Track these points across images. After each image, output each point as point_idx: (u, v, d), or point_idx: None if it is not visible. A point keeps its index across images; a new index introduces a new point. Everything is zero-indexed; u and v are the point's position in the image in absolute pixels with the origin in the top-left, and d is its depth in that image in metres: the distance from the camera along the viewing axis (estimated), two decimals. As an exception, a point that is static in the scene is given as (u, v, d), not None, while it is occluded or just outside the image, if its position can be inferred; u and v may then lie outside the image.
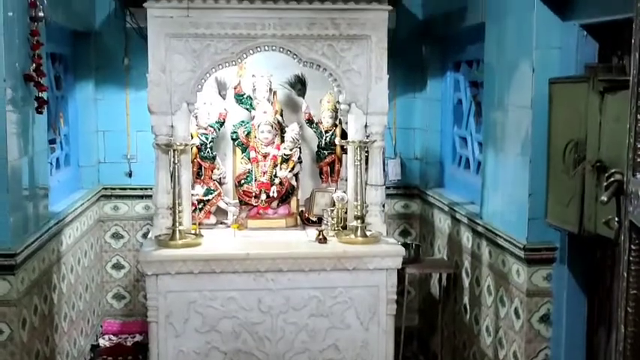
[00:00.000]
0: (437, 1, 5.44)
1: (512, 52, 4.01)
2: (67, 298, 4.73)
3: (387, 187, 5.29)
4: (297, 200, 4.73)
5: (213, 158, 4.58)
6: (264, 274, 3.98)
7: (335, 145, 4.61)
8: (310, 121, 4.65)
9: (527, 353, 3.86)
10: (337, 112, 4.56)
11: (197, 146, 4.46)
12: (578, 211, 3.22)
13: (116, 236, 5.89)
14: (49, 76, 4.63)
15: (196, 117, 4.49)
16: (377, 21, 4.15)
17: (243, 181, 4.59)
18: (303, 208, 4.72)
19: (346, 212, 4.35)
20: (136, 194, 5.82)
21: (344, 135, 4.53)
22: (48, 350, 4.23)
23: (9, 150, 3.58)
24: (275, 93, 4.69)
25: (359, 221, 4.14)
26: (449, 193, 5.47)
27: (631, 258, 1.83)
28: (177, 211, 4.02)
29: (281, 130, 4.62)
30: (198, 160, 4.52)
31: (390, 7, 4.18)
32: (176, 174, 4.04)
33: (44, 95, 4.00)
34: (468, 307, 4.74)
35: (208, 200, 4.57)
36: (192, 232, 4.19)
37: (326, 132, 4.63)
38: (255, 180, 4.55)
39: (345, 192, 4.38)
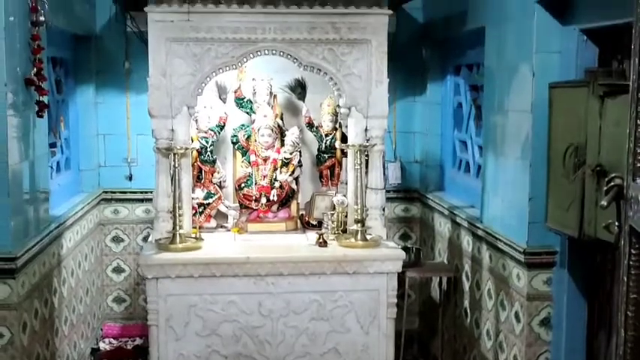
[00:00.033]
0: (437, 5, 5.45)
1: (512, 56, 4.02)
2: (67, 301, 4.73)
3: (387, 191, 5.29)
4: (298, 204, 4.73)
5: (214, 162, 4.59)
6: (264, 278, 3.98)
7: (335, 148, 4.61)
8: (310, 125, 4.65)
9: (527, 357, 3.86)
10: (337, 116, 4.57)
11: (197, 150, 4.47)
12: (579, 215, 3.23)
13: (116, 240, 5.89)
14: (49, 80, 4.64)
15: (197, 120, 4.49)
16: (377, 25, 4.17)
17: (243, 185, 4.60)
18: (304, 212, 4.72)
19: (346, 216, 4.36)
20: (136, 198, 5.82)
21: (344, 138, 4.53)
22: (48, 354, 4.23)
23: (10, 154, 3.59)
24: (275, 97, 4.70)
25: (359, 225, 4.14)
26: (449, 197, 5.47)
27: (631, 262, 1.83)
28: (177, 215, 4.03)
29: (281, 133, 4.63)
30: (199, 163, 4.52)
31: (391, 12, 4.19)
32: (176, 177, 4.05)
33: (45, 99, 4.01)
34: (468, 310, 4.74)
35: (209, 204, 4.57)
36: (193, 235, 4.20)
37: (326, 136, 4.64)
38: (256, 183, 4.56)
39: (345, 195, 4.39)
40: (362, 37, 4.16)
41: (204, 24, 4.06)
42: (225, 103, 4.62)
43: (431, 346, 5.54)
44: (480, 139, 4.82)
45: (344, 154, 4.54)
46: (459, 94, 5.54)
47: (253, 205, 4.57)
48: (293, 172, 4.60)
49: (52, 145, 4.86)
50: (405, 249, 4.62)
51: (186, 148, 4.13)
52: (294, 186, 4.65)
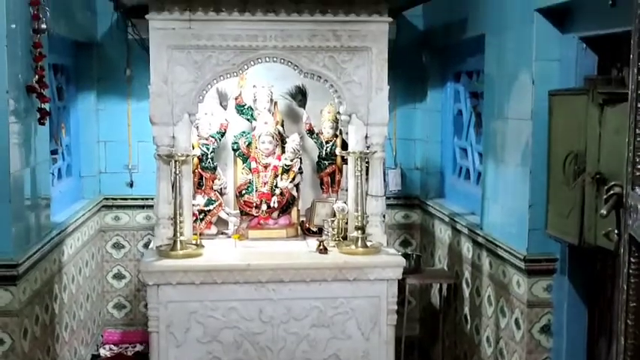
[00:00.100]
0: (437, 12, 5.46)
1: (512, 63, 4.03)
2: (68, 307, 4.73)
3: (388, 198, 5.30)
4: (298, 210, 4.74)
5: (214, 169, 4.59)
6: (265, 285, 3.99)
7: (335, 155, 4.62)
8: (311, 132, 4.66)
9: (527, 364, 3.87)
10: (338, 123, 4.58)
11: (198, 157, 4.48)
12: (578, 222, 3.23)
13: (117, 246, 5.90)
14: (51, 87, 4.66)
15: (197, 127, 4.50)
16: (378, 33, 4.18)
17: (244, 192, 4.61)
18: (304, 219, 4.73)
19: (347, 223, 4.36)
20: (137, 204, 5.83)
21: (344, 145, 4.54)
22: (49, 360, 4.24)
23: (11, 161, 3.60)
24: (276, 103, 4.71)
25: (359, 232, 4.15)
26: (449, 204, 5.48)
27: (630, 271, 1.84)
28: (178, 222, 4.03)
29: (282, 140, 4.64)
30: (200, 170, 4.53)
31: (391, 19, 4.21)
32: (177, 184, 4.06)
33: (46, 106, 4.02)
34: (468, 317, 4.74)
35: (209, 210, 4.58)
36: (193, 242, 4.20)
37: (326, 142, 4.65)
38: (256, 190, 4.56)
39: (345, 202, 4.40)
40: (362, 45, 4.18)
41: (205, 31, 4.07)
42: (226, 110, 4.63)
43: (431, 352, 5.54)
44: (480, 146, 4.83)
45: (344, 161, 4.55)
46: (459, 101, 5.55)
47: (254, 211, 4.58)
48: (293, 178, 4.61)
49: (54, 152, 4.87)
50: (406, 255, 4.63)
51: (187, 155, 4.13)
52: (294, 193, 4.65)
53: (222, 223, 4.65)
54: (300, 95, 4.68)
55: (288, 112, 4.83)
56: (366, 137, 4.24)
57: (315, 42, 4.14)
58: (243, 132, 4.68)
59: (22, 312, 3.72)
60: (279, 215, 4.61)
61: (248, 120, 4.68)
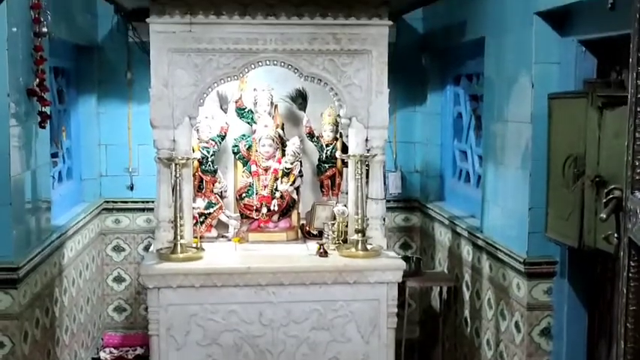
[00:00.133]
0: (437, 15, 5.47)
1: (511, 66, 4.04)
2: (68, 310, 4.73)
3: (388, 201, 5.30)
4: (298, 214, 4.74)
5: (215, 172, 4.60)
6: (265, 288, 3.99)
7: (336, 158, 4.62)
8: (311, 135, 4.67)
9: (527, 367, 3.87)
10: (338, 126, 4.59)
11: (198, 160, 4.48)
12: (578, 225, 3.24)
13: (117, 249, 5.90)
14: (51, 90, 4.66)
15: (198, 130, 4.51)
16: (378, 36, 4.18)
17: (244, 195, 4.61)
18: (304, 222, 4.73)
19: (347, 226, 4.36)
20: (137, 207, 5.84)
21: (345, 148, 4.54)
22: (49, 363, 4.24)
23: (12, 164, 3.60)
24: (276, 107, 4.71)
25: (360, 235, 4.15)
26: (449, 207, 5.48)
27: (630, 274, 1.84)
28: (178, 225, 4.04)
29: (282, 143, 4.64)
30: (200, 173, 4.54)
31: (391, 22, 4.21)
32: (178, 187, 4.06)
33: (47, 110, 4.03)
34: (468, 320, 4.74)
35: (209, 213, 4.58)
36: (194, 245, 4.20)
37: (327, 145, 4.65)
38: (256, 193, 4.57)
39: (345, 205, 4.40)
40: (362, 48, 4.18)
41: (205, 35, 4.08)
42: (226, 113, 4.64)
43: (431, 355, 5.54)
44: (480, 149, 4.84)
45: (344, 164, 4.55)
46: (458, 104, 5.56)
47: (254, 214, 4.58)
48: (294, 182, 4.61)
49: (54, 155, 4.88)
50: (406, 258, 4.63)
51: (188, 158, 4.14)
52: (294, 196, 4.66)
53: (222, 226, 4.66)
54: (300, 98, 4.68)
55: (289, 115, 4.84)
56: (367, 140, 4.24)
57: (315, 45, 4.15)
58: (244, 135, 4.69)
59: (23, 315, 3.72)
60: (279, 218, 4.62)
61: (248, 123, 4.69)
